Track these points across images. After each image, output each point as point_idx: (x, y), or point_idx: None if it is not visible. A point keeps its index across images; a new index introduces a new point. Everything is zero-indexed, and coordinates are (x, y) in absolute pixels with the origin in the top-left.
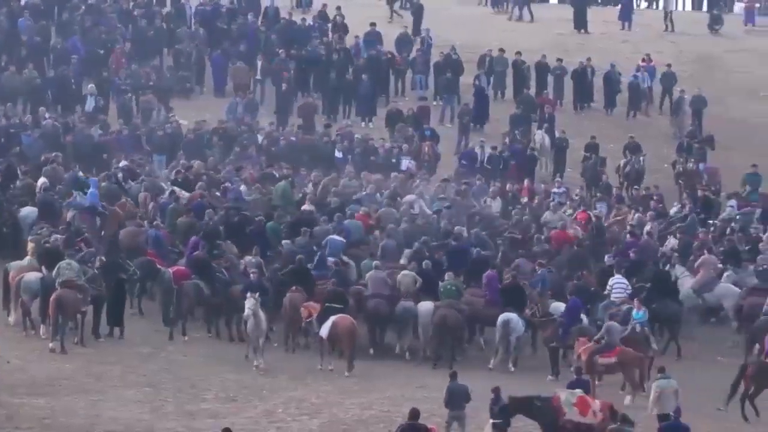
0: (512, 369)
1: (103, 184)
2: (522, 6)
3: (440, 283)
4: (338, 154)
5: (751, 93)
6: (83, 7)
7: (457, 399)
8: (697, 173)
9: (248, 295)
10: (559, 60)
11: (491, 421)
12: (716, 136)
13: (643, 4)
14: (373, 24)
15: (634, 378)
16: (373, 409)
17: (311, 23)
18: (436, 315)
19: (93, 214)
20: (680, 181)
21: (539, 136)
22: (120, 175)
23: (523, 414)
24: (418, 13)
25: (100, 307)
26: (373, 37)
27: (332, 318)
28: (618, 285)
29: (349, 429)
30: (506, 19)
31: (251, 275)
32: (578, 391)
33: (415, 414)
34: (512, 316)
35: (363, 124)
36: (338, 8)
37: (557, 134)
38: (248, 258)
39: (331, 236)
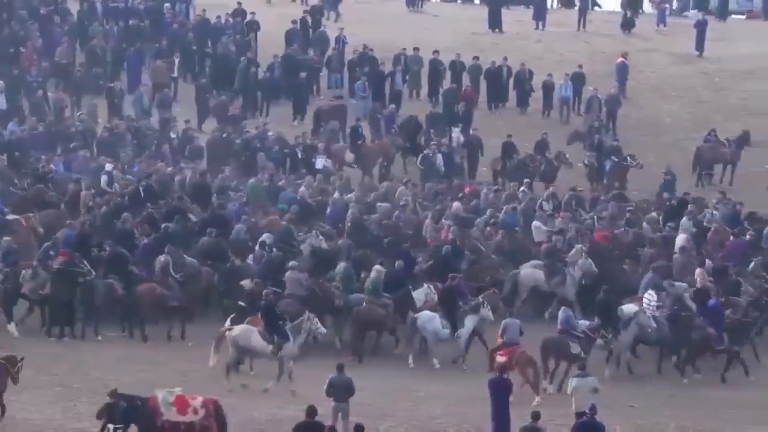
0: (411, 365)
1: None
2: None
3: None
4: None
5: (661, 92)
6: None
7: (338, 391)
8: (602, 173)
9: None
10: (476, 58)
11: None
12: (629, 135)
13: (556, 5)
14: (294, 21)
15: (529, 378)
16: (288, 409)
17: (226, 21)
18: (353, 311)
19: None
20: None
21: (456, 134)
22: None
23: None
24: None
25: (54, 308)
26: (294, 36)
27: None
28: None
29: (263, 429)
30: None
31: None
32: (177, 390)
33: (312, 412)
34: (424, 315)
35: (296, 122)
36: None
37: (470, 132)
38: (160, 257)
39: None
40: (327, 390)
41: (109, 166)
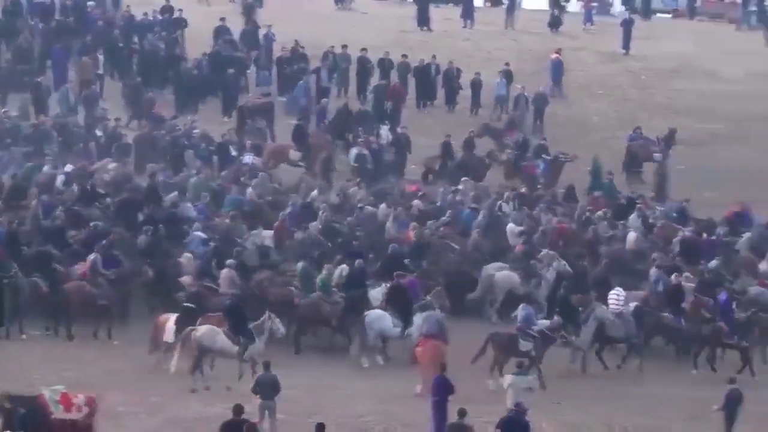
0: (365, 365)
1: None
2: None
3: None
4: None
5: (588, 90)
6: None
7: (265, 389)
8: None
9: None
10: (404, 56)
11: None
12: (557, 133)
13: (484, 3)
14: (222, 19)
15: (428, 372)
16: (216, 407)
17: (153, 18)
18: (297, 306)
19: None
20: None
21: (384, 132)
22: None
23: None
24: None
25: None
26: (223, 33)
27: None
28: None
29: (190, 427)
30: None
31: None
32: (60, 387)
33: (238, 410)
34: (373, 313)
35: (225, 119)
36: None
37: (398, 130)
38: (90, 255)
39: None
40: (253, 388)
41: (69, 167)
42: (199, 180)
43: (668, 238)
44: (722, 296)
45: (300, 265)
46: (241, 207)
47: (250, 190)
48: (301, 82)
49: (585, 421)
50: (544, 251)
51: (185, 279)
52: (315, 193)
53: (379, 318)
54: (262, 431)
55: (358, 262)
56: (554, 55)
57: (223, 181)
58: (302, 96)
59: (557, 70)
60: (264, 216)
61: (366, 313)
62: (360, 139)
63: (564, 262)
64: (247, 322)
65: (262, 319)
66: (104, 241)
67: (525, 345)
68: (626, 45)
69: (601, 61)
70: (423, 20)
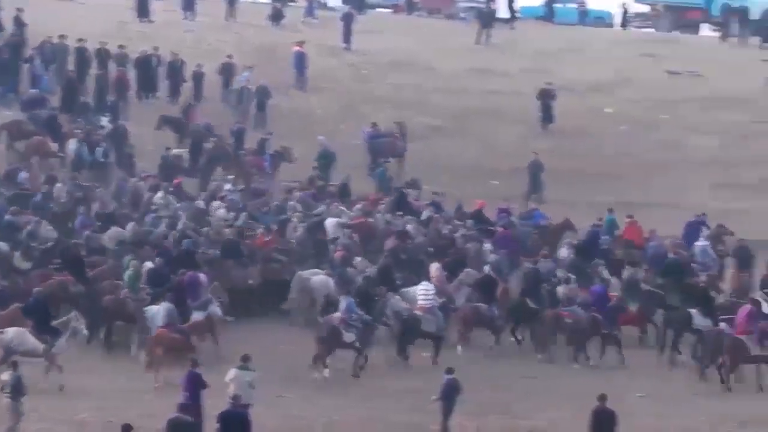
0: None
1: None
2: None
3: None
4: None
5: (311, 83)
6: None
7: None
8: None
9: None
10: (122, 47)
11: None
12: (278, 126)
13: None
14: None
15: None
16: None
17: None
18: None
19: None
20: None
21: (105, 123)
22: None
23: None
24: None
25: None
26: None
27: None
28: None
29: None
30: None
31: None
32: None
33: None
34: (151, 309)
35: None
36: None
37: (118, 122)
38: None
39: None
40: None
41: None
42: None
43: (438, 230)
44: (598, 288)
45: (128, 273)
46: None
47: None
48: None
49: (308, 414)
50: (359, 259)
51: None
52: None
53: (156, 313)
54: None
55: (158, 260)
56: (296, 48)
57: None
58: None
59: (300, 62)
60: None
61: (145, 309)
62: (78, 131)
63: (375, 268)
64: (50, 319)
65: (68, 317)
66: None
67: (348, 336)
68: (347, 39)
69: (323, 55)
70: (143, 11)
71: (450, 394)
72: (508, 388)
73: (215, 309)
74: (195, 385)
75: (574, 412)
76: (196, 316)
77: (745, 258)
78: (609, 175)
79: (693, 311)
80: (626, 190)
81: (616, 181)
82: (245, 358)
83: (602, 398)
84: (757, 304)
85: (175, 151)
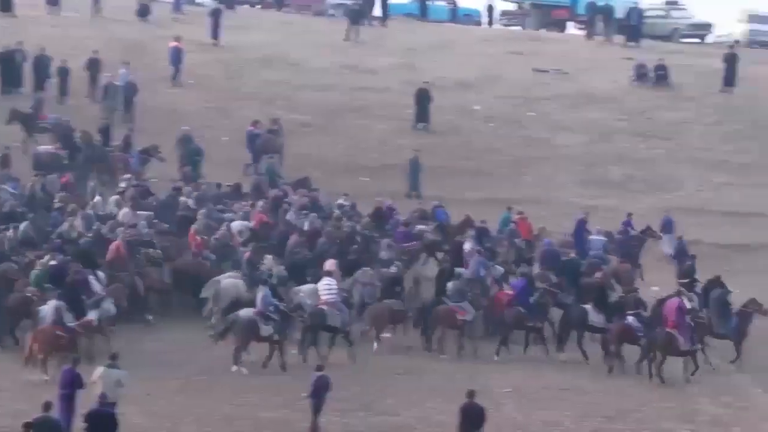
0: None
1: None
2: None
3: None
4: None
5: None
6: None
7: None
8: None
9: None
10: None
11: None
12: (146, 123)
13: None
14: None
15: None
16: None
17: None
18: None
19: None
20: None
21: None
22: None
23: None
24: None
25: None
26: None
27: None
28: None
29: None
30: None
31: None
32: None
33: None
34: (46, 307)
35: None
36: None
37: None
38: None
39: None
40: None
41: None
42: None
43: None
44: (520, 282)
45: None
46: None
47: None
48: None
49: (172, 411)
50: (268, 257)
51: None
52: None
53: (47, 311)
54: None
55: (60, 257)
56: (173, 43)
57: None
58: None
59: (176, 57)
60: None
61: (39, 308)
62: None
63: (283, 267)
64: None
65: None
66: None
67: (266, 329)
68: (215, 35)
69: (192, 51)
70: (5, 5)
71: (320, 392)
72: (377, 384)
73: (109, 307)
74: (72, 384)
75: (443, 408)
76: (92, 315)
77: (627, 251)
78: (479, 171)
79: (587, 307)
80: (496, 187)
81: (486, 177)
82: (113, 357)
83: (471, 394)
84: (682, 296)
85: (41, 148)
